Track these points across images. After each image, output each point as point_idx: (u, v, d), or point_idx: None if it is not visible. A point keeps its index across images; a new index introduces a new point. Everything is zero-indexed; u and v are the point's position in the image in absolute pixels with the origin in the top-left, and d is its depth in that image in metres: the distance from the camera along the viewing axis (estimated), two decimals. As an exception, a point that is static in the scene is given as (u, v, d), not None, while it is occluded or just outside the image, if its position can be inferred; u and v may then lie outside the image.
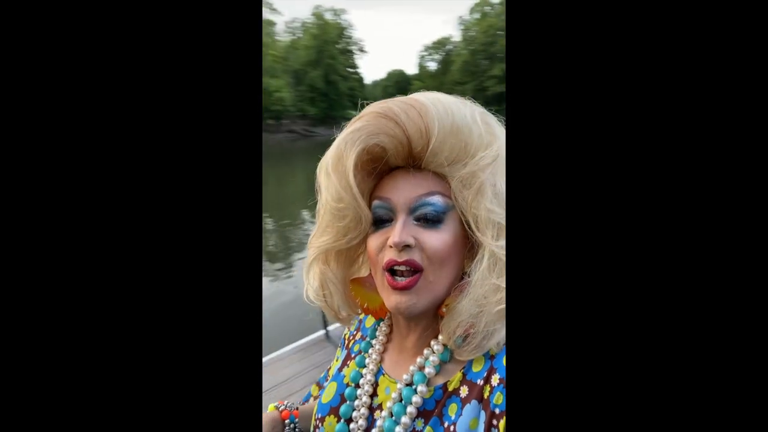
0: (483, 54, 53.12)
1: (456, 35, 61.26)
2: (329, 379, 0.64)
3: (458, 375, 0.50)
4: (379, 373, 0.57)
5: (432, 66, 64.96)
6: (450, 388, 0.49)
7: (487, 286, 0.45)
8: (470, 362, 0.50)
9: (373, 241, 0.49)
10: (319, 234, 0.53)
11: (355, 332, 0.67)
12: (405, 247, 0.46)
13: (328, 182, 0.48)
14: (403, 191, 0.48)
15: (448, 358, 0.51)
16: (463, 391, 0.48)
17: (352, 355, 0.63)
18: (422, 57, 66.48)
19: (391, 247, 0.46)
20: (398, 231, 0.45)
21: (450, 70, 57.44)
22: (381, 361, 0.58)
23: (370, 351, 0.60)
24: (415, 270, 0.46)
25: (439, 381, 0.51)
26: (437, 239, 0.46)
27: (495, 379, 0.46)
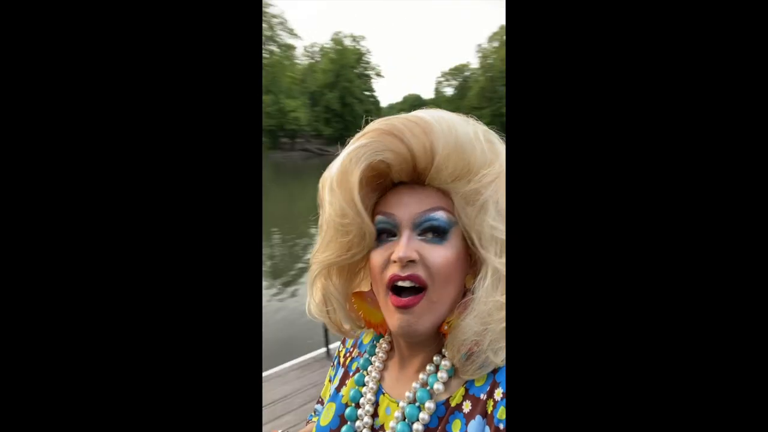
0: (501, 81, 53.34)
1: (474, 62, 62.07)
2: (326, 399, 0.62)
3: (461, 390, 0.49)
4: (379, 392, 0.56)
5: (449, 91, 65.50)
6: (452, 404, 0.48)
7: (491, 303, 0.44)
8: None
9: (377, 257, 0.48)
10: (323, 249, 0.52)
11: (351, 349, 0.65)
12: (409, 262, 0.45)
13: (332, 197, 0.48)
14: (407, 207, 0.47)
15: (453, 373, 0.50)
16: (466, 406, 0.47)
17: (350, 373, 0.61)
18: (439, 82, 67.22)
19: (394, 262, 0.46)
20: (403, 246, 0.45)
21: (467, 96, 57.73)
22: (381, 379, 0.57)
23: (369, 369, 0.58)
24: (419, 287, 0.46)
25: (442, 397, 0.50)
26: (441, 255, 0.46)
27: (498, 394, 0.45)
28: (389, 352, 0.58)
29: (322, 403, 0.66)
